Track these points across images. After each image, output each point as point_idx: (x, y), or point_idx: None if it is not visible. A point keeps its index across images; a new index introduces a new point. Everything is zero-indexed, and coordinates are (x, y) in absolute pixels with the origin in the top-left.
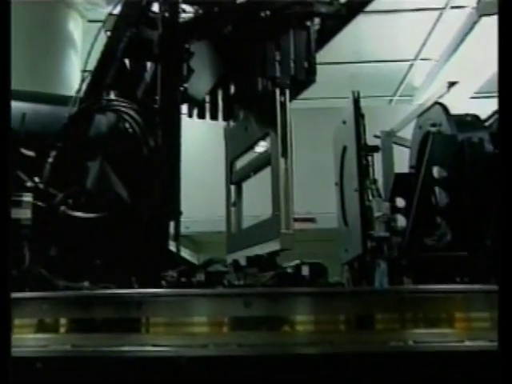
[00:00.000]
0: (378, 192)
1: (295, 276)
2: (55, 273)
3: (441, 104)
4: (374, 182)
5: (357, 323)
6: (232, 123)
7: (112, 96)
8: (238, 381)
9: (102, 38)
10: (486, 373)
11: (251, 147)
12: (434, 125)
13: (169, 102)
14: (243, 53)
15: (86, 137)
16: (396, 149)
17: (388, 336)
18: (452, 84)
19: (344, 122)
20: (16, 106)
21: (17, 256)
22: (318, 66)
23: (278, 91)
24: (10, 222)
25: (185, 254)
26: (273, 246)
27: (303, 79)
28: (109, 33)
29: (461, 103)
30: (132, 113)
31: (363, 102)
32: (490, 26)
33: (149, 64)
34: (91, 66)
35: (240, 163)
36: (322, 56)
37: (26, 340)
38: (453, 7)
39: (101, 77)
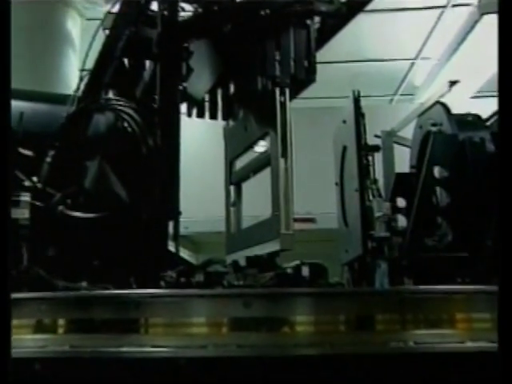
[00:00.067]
0: (378, 192)
1: (295, 276)
2: (53, 273)
3: (442, 103)
4: (375, 181)
5: (357, 324)
6: (231, 123)
7: (110, 95)
8: (237, 382)
9: (101, 37)
10: (487, 374)
11: (251, 147)
12: (434, 124)
13: (168, 102)
14: (243, 52)
15: (84, 136)
16: (397, 148)
17: (388, 337)
18: (453, 83)
19: (344, 122)
20: (14, 104)
21: (15, 256)
22: (318, 65)
23: (277, 90)
24: (10, 222)
25: (184, 254)
26: (272, 247)
27: (303, 78)
28: (107, 31)
29: (462, 103)
30: (131, 112)
31: (363, 102)
32: (491, 24)
33: (148, 63)
34: (90, 64)
35: (239, 163)
36: (322, 55)
37: (25, 341)
38: (454, 5)
39: (99, 76)
